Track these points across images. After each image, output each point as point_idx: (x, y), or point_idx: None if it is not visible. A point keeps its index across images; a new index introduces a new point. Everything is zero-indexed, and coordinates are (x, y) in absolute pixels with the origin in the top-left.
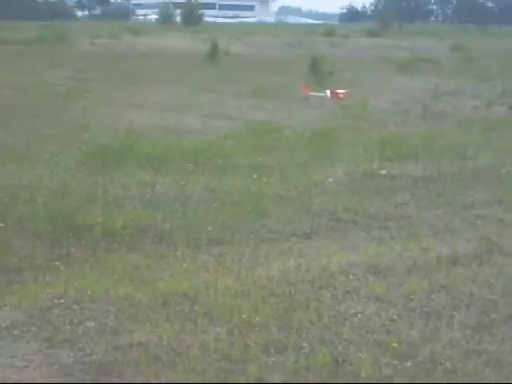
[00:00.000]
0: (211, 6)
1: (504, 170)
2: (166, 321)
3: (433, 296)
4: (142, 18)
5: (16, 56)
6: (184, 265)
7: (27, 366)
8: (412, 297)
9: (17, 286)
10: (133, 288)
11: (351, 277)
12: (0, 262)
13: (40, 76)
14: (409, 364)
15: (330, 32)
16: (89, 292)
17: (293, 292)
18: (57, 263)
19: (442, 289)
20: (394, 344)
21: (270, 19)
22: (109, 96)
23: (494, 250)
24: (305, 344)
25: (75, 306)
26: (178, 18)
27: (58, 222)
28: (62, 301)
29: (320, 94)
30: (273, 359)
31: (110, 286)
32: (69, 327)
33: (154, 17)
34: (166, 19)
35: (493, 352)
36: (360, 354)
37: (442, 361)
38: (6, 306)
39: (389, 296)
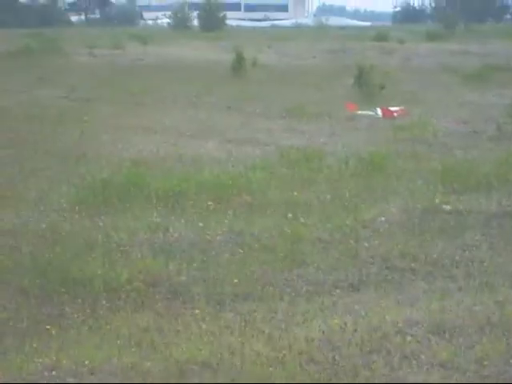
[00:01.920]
0: (236, 7)
1: None
2: None
3: (511, 361)
4: (151, 22)
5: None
6: (204, 326)
7: None
8: (485, 362)
9: None
10: (141, 356)
11: (409, 338)
12: None
13: (26, 95)
14: None
15: (381, 36)
16: (87, 361)
17: (337, 358)
18: (47, 326)
19: None
20: None
21: (308, 21)
22: (111, 119)
23: None
24: None
25: (70, 380)
26: (196, 22)
27: (49, 276)
28: (54, 373)
29: (369, 112)
30: None
31: (112, 353)
32: None
33: (166, 21)
34: (180, 24)
35: None
36: None
37: None
38: None
39: (457, 362)
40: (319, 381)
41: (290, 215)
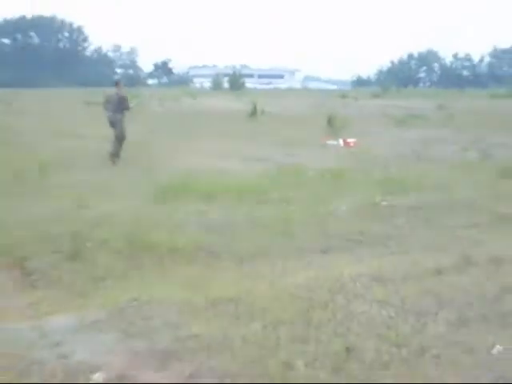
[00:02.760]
0: (251, 76)
1: (479, 201)
2: (215, 318)
3: (421, 299)
4: (198, 85)
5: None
6: (230, 274)
7: (109, 352)
8: (407, 300)
9: (100, 291)
10: (190, 292)
11: (358, 284)
12: (89, 272)
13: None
14: (403, 351)
15: (343, 95)
16: (156, 295)
17: (313, 296)
18: (131, 273)
19: (429, 293)
20: (392, 336)
21: (297, 85)
22: (168, 145)
23: (470, 262)
24: (323, 336)
25: (146, 307)
26: (226, 85)
27: (133, 242)
28: (136, 302)
29: (334, 142)
30: (297, 348)
31: (173, 291)
32: (141, 322)
33: (208, 84)
34: (216, 86)
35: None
36: (365, 344)
37: (429, 349)
38: (91, 306)
39: (389, 299)
40: (300, 308)
41: (284, 206)
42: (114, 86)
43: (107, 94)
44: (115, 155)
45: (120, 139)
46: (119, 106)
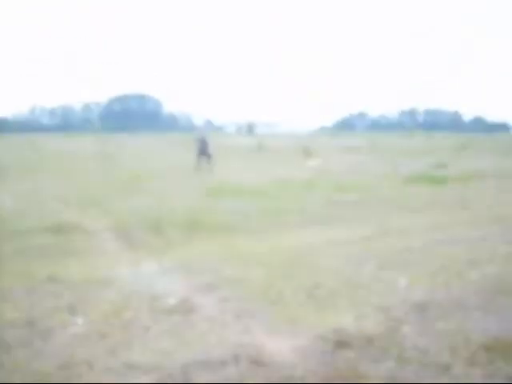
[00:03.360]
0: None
1: (392, 197)
2: (238, 265)
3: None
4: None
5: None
6: (243, 242)
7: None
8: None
9: (170, 248)
10: (218, 252)
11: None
12: (159, 239)
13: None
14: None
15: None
16: (185, 259)
17: (302, 252)
18: (190, 239)
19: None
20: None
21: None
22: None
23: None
24: (302, 276)
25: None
26: (244, 130)
27: (191, 223)
28: (167, 264)
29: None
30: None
31: (213, 248)
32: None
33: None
34: (237, 131)
35: None
36: (331, 283)
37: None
38: (153, 258)
39: (352, 255)
40: (284, 258)
41: (278, 200)
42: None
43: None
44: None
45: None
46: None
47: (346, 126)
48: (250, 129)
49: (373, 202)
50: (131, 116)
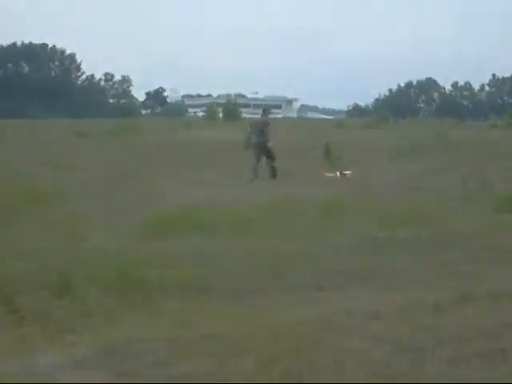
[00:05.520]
0: (246, 106)
1: (477, 234)
2: (208, 355)
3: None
4: (192, 114)
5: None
6: (223, 310)
7: None
8: (402, 336)
9: (88, 327)
10: (181, 329)
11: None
12: (75, 308)
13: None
14: None
15: (340, 124)
16: (148, 332)
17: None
18: (122, 309)
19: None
20: (386, 373)
21: (293, 115)
22: (168, 177)
23: (467, 298)
24: (316, 374)
25: (136, 344)
26: (221, 115)
27: (123, 278)
28: (126, 340)
29: (332, 174)
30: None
31: (164, 327)
32: (132, 360)
33: (202, 114)
34: (211, 116)
35: None
36: (359, 380)
37: None
38: (78, 344)
39: (382, 335)
40: (293, 345)
41: (279, 238)
42: (262, 113)
43: (252, 120)
44: (274, 171)
45: (273, 158)
46: (262, 130)
47: (398, 107)
48: (231, 110)
49: (443, 242)
50: None
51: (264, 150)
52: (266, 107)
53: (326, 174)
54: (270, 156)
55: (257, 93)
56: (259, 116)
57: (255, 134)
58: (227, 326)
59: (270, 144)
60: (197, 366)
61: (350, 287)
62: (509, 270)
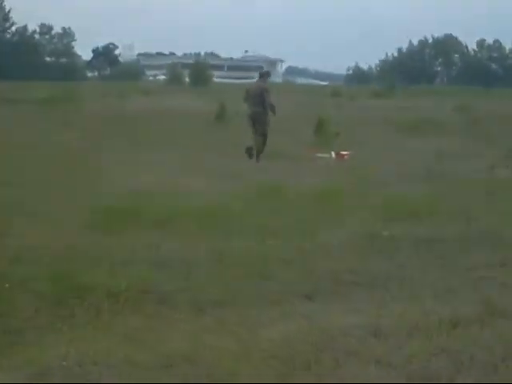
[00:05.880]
0: (219, 68)
1: (506, 233)
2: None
3: (433, 359)
4: (151, 78)
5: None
6: (186, 327)
7: None
8: (412, 360)
9: (19, 347)
10: (134, 350)
11: (352, 339)
12: (3, 323)
13: (51, 136)
14: None
15: (336, 93)
16: (91, 353)
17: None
18: (60, 324)
19: (443, 351)
20: None
21: (278, 80)
22: (119, 158)
23: (494, 312)
24: None
25: (77, 368)
26: (187, 79)
27: (63, 284)
28: (64, 363)
29: (326, 155)
30: None
31: (111, 347)
32: None
33: (163, 77)
34: (174, 80)
35: None
36: None
37: None
38: (6, 367)
39: (389, 359)
40: (277, 371)
41: (259, 238)
42: (258, 78)
43: (248, 87)
44: (260, 152)
45: (264, 135)
46: (260, 100)
47: (410, 71)
48: (200, 73)
49: (465, 243)
50: None
51: (259, 123)
52: (264, 71)
53: (319, 155)
54: (262, 133)
55: (247, 51)
56: (258, 82)
57: (250, 103)
58: (189, 347)
59: (268, 117)
60: None
61: (346, 297)
62: None
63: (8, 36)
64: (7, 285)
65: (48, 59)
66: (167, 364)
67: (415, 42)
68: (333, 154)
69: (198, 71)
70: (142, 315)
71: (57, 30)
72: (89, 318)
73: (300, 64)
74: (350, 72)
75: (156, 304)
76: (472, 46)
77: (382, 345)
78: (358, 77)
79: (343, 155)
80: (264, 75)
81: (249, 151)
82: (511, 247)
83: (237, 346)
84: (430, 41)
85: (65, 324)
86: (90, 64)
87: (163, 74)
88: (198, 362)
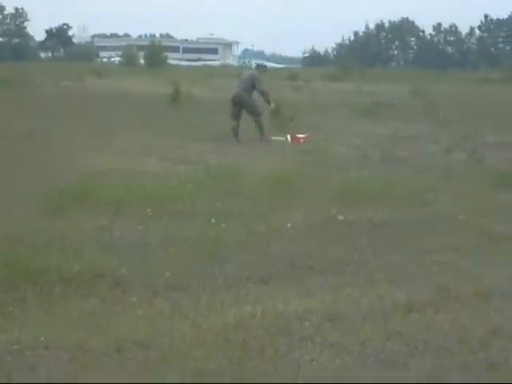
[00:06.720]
0: (175, 50)
1: (461, 217)
2: (119, 368)
3: (387, 343)
4: (106, 60)
5: None
6: (140, 311)
7: None
8: (367, 344)
9: None
10: (87, 334)
11: (307, 323)
12: None
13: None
14: None
15: (292, 76)
16: (42, 338)
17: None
18: (11, 308)
19: (397, 336)
20: None
21: (233, 62)
22: (68, 139)
23: (448, 296)
24: None
25: (28, 353)
26: (142, 61)
27: (13, 267)
28: (15, 347)
29: (281, 138)
30: None
31: (64, 331)
32: (20, 375)
33: (118, 59)
34: (129, 62)
35: None
36: None
37: None
38: None
39: (344, 343)
40: (230, 355)
41: (213, 221)
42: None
43: (240, 72)
44: (262, 130)
45: (257, 113)
46: (248, 85)
47: (366, 55)
48: (155, 55)
49: (421, 227)
50: None
51: (244, 106)
52: (261, 64)
53: (273, 138)
54: (252, 112)
55: (212, 34)
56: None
57: (238, 86)
58: (143, 331)
59: (253, 101)
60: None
61: (302, 281)
62: (503, 261)
63: None
64: None
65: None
66: (120, 348)
67: (371, 26)
68: (288, 137)
69: (153, 53)
70: (95, 299)
71: (9, 10)
72: (41, 301)
73: (256, 47)
74: (307, 55)
75: (110, 288)
76: (429, 30)
77: (336, 329)
78: (315, 60)
79: (299, 138)
80: (260, 67)
81: (234, 131)
82: (465, 231)
83: (191, 330)
84: (387, 25)
85: (16, 308)
86: (43, 45)
87: (118, 56)
88: (151, 346)
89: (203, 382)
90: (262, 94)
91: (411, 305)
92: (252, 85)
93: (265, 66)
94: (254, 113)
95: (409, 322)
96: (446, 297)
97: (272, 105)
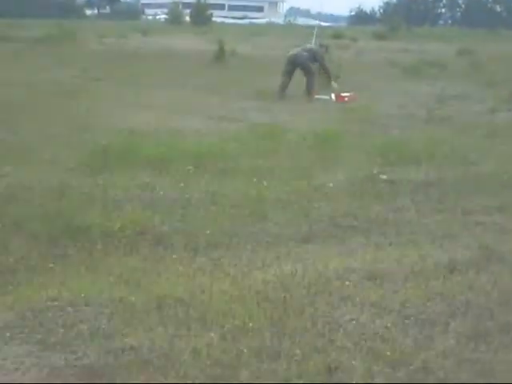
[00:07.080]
0: (220, 7)
1: (506, 177)
2: (159, 325)
3: (428, 303)
4: (151, 17)
5: (23, 55)
6: (180, 268)
7: (18, 369)
8: (407, 304)
9: (11, 287)
10: (128, 291)
11: (347, 283)
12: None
13: (47, 74)
14: (401, 373)
15: (338, 34)
16: (83, 294)
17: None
18: (52, 265)
19: (438, 296)
20: (388, 352)
21: (279, 20)
22: (114, 95)
23: (491, 257)
24: (297, 351)
25: (69, 309)
26: (188, 18)
27: (56, 223)
28: (56, 303)
29: (325, 96)
30: (265, 366)
31: (104, 288)
32: (62, 330)
33: (164, 16)
34: (175, 19)
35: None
36: (353, 362)
37: (435, 370)
38: None
39: (384, 303)
40: (270, 313)
41: (255, 179)
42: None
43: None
44: (313, 90)
45: (312, 73)
46: (309, 55)
47: (413, 13)
48: (200, 13)
49: (466, 187)
50: None
51: (301, 66)
52: (325, 44)
53: (318, 97)
54: (307, 72)
55: None
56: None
57: (298, 49)
58: (184, 288)
59: (310, 64)
60: (145, 338)
61: (344, 240)
62: None
63: None
64: None
65: None
66: (161, 305)
67: None
68: (333, 95)
69: (199, 10)
70: (136, 256)
71: None
72: (82, 258)
73: (302, 5)
74: (353, 14)
75: (151, 245)
76: None
77: (377, 289)
78: (362, 18)
79: (343, 97)
80: (323, 46)
81: (282, 87)
82: (509, 192)
83: (231, 287)
84: None
85: (57, 264)
86: (89, 2)
87: (164, 14)
88: (191, 303)
89: (209, 383)
90: (325, 69)
91: (453, 265)
92: (313, 56)
93: (327, 47)
94: (310, 73)
95: (450, 283)
96: (488, 257)
97: (333, 83)
